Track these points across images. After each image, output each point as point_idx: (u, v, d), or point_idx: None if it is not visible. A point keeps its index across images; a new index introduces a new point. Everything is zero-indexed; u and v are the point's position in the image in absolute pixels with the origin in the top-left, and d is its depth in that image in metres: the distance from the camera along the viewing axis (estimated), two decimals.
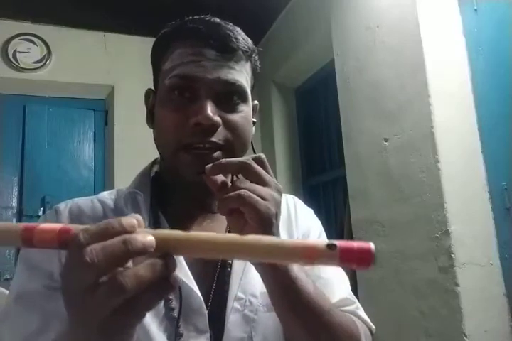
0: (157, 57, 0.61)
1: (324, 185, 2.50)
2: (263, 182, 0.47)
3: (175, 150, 0.55)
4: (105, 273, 0.31)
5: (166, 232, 0.34)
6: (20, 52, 2.50)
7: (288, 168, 2.72)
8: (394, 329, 1.51)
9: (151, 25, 2.65)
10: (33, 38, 2.53)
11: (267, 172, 0.48)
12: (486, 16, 1.42)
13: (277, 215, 0.47)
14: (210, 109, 0.53)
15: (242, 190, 0.45)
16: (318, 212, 0.75)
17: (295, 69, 2.59)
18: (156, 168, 0.68)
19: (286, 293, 0.50)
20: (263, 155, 0.50)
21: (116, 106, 2.67)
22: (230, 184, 0.48)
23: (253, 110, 0.64)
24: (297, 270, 0.50)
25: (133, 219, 0.33)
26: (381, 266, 1.58)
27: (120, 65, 2.69)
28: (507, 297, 1.32)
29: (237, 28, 0.59)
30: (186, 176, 0.55)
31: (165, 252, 0.33)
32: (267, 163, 0.49)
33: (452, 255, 1.28)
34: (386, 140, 1.60)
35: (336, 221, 2.25)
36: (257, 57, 0.62)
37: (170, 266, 0.32)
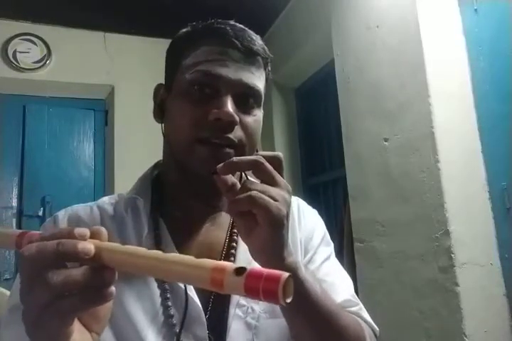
0: (177, 53, 0.60)
1: (324, 185, 2.50)
2: (273, 182, 0.46)
3: (190, 143, 0.55)
4: (38, 269, 0.32)
5: (110, 245, 0.34)
6: (20, 52, 2.50)
7: (288, 168, 2.72)
8: (394, 329, 1.51)
9: (151, 25, 2.66)
10: (33, 38, 2.53)
11: (280, 172, 0.48)
12: (486, 16, 1.42)
13: (288, 216, 0.46)
14: (230, 106, 0.54)
15: (253, 192, 0.44)
16: (318, 212, 0.75)
17: (295, 69, 2.59)
18: (157, 171, 0.67)
19: (295, 295, 0.50)
20: (281, 154, 0.49)
21: (116, 106, 2.67)
22: (239, 185, 0.47)
23: None
24: (305, 271, 0.50)
25: (86, 229, 0.35)
26: (381, 266, 1.58)
27: (120, 65, 2.68)
28: (507, 297, 1.32)
29: (258, 36, 0.60)
30: (199, 170, 0.54)
31: (105, 264, 0.33)
32: (283, 164, 0.49)
33: (452, 255, 1.28)
34: (386, 140, 1.60)
35: (336, 221, 2.25)
36: (270, 67, 0.63)
37: (107, 277, 0.33)
